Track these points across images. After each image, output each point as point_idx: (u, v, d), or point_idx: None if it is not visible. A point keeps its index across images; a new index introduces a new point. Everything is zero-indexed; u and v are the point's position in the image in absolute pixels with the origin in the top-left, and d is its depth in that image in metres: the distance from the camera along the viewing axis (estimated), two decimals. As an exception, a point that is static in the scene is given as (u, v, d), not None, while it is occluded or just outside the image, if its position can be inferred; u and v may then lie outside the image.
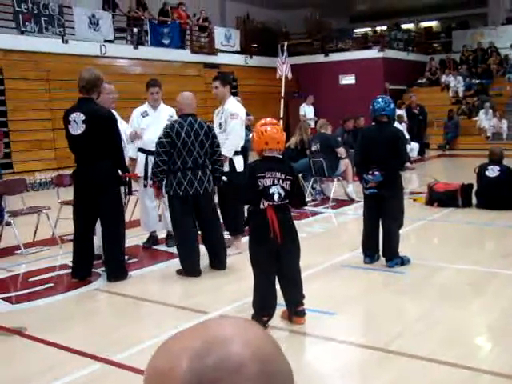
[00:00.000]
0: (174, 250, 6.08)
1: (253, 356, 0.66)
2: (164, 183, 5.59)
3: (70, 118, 5.34)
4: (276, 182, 4.00)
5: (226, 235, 6.28)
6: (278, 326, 4.17)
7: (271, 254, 4.05)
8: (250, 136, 6.28)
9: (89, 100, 5.38)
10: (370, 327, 4.39)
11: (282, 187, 4.01)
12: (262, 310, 4.08)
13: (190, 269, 5.55)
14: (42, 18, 14.07)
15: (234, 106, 6.36)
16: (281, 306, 4.22)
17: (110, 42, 15.83)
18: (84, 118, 5.26)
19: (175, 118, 6.52)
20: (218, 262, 5.73)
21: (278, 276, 4.15)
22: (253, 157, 5.01)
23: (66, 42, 14.59)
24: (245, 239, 5.61)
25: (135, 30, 16.89)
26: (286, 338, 4.07)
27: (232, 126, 6.19)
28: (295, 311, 4.20)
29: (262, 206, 4.02)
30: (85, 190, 5.40)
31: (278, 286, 4.21)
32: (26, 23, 13.80)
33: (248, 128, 7.81)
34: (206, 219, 5.62)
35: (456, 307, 4.53)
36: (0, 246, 6.90)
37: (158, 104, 6.67)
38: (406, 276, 5.37)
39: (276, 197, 4.00)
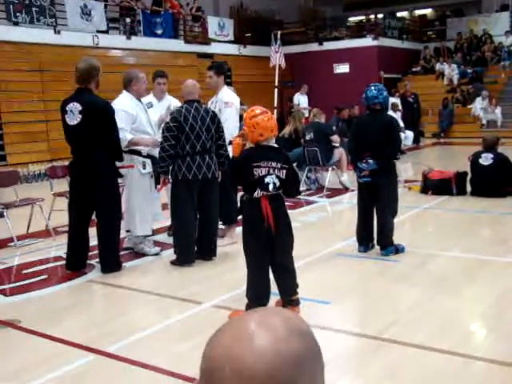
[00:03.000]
0: (168, 240, 6.07)
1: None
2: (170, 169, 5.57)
3: (66, 108, 5.29)
4: (271, 171, 3.96)
5: (220, 225, 6.27)
6: (272, 316, 4.15)
7: (265, 244, 4.03)
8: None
9: (86, 90, 5.33)
10: (364, 316, 4.39)
11: (277, 177, 3.97)
12: (256, 299, 4.06)
13: (184, 256, 5.54)
14: (34, 9, 13.95)
15: (228, 95, 6.39)
16: (275, 295, 4.22)
17: (103, 32, 15.71)
18: (80, 108, 5.21)
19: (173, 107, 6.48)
20: (209, 249, 5.71)
21: (272, 265, 4.13)
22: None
23: (58, 32, 14.48)
24: (239, 229, 5.60)
25: (128, 20, 16.77)
26: (280, 328, 4.06)
27: (227, 115, 6.22)
28: (289, 300, 4.19)
29: (256, 195, 3.99)
30: (80, 181, 5.37)
31: (271, 276, 4.20)
32: (17, 14, 13.68)
33: (242, 118, 7.77)
34: (207, 204, 5.62)
35: (450, 295, 4.53)
36: (-7, 238, 6.89)
37: (164, 95, 6.67)
38: (400, 264, 5.37)
39: (271, 187, 3.97)
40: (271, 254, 4.07)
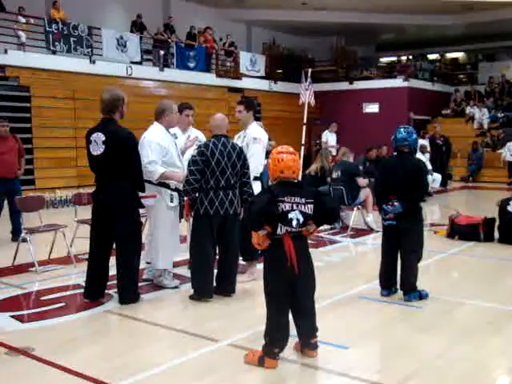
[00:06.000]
0: (188, 273, 6.01)
1: None
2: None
3: (91, 138, 5.36)
4: (295, 207, 3.90)
5: (241, 261, 6.20)
6: (289, 358, 4.06)
7: (287, 285, 3.94)
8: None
9: (110, 121, 5.40)
10: (384, 363, 4.24)
11: (301, 212, 3.91)
12: (274, 341, 3.96)
13: (202, 290, 5.48)
14: (72, 39, 14.35)
15: (256, 131, 6.39)
16: (293, 337, 4.11)
17: (137, 63, 16.03)
18: (104, 138, 5.27)
19: (202, 140, 6.50)
20: (228, 285, 5.65)
21: (292, 307, 4.03)
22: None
23: (94, 62, 14.82)
24: (259, 265, 5.52)
25: (162, 52, 17.10)
26: (297, 371, 3.96)
27: (254, 150, 6.20)
28: (308, 343, 4.08)
29: (279, 231, 3.92)
30: (102, 210, 5.39)
31: (290, 317, 4.10)
32: (56, 43, 14.08)
33: (268, 154, 7.77)
34: (228, 240, 5.58)
35: (474, 346, 4.37)
36: (15, 262, 6.91)
37: (189, 127, 6.69)
38: (423, 311, 5.22)
39: (294, 223, 3.90)
40: (292, 295, 3.98)
